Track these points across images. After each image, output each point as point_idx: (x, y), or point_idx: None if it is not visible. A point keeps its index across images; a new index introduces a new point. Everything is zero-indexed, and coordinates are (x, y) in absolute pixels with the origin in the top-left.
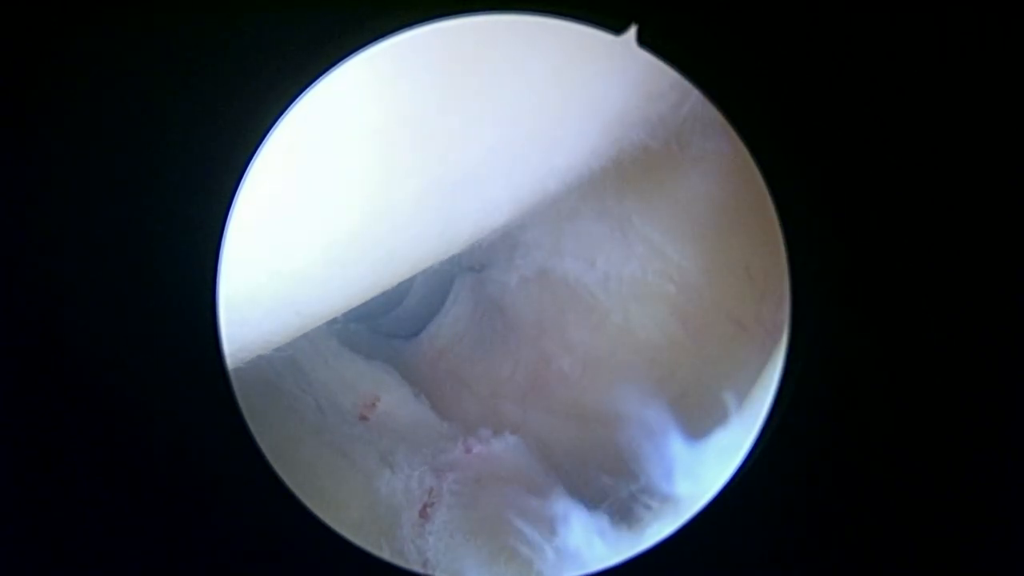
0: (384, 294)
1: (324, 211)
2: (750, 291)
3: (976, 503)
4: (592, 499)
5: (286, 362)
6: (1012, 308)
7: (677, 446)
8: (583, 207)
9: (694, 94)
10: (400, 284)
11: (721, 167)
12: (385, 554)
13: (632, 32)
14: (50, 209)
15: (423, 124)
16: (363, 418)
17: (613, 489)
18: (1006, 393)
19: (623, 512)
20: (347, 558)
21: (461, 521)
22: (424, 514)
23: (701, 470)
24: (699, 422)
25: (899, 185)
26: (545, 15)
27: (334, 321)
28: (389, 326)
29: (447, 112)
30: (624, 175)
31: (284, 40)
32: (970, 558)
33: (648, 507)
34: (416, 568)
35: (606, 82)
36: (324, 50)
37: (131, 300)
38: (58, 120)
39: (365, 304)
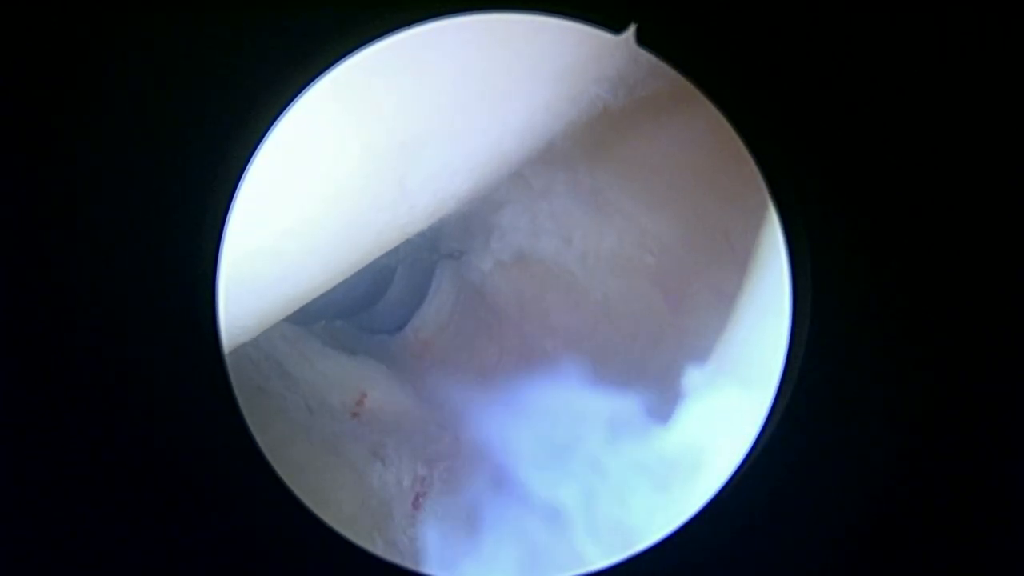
0: (364, 289)
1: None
2: (731, 255)
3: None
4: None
5: (271, 365)
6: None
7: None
8: (555, 183)
9: None
10: (380, 275)
11: (693, 130)
12: (378, 547)
13: (632, 32)
14: (49, 208)
15: (372, 92)
16: (354, 415)
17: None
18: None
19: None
20: (351, 559)
21: (454, 508)
22: (417, 504)
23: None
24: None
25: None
26: (545, 15)
27: (317, 322)
28: (372, 322)
29: (394, 80)
30: (593, 143)
31: (284, 40)
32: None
33: None
34: (408, 565)
35: (554, 35)
36: (322, 51)
37: (130, 299)
38: (58, 119)
39: (345, 298)
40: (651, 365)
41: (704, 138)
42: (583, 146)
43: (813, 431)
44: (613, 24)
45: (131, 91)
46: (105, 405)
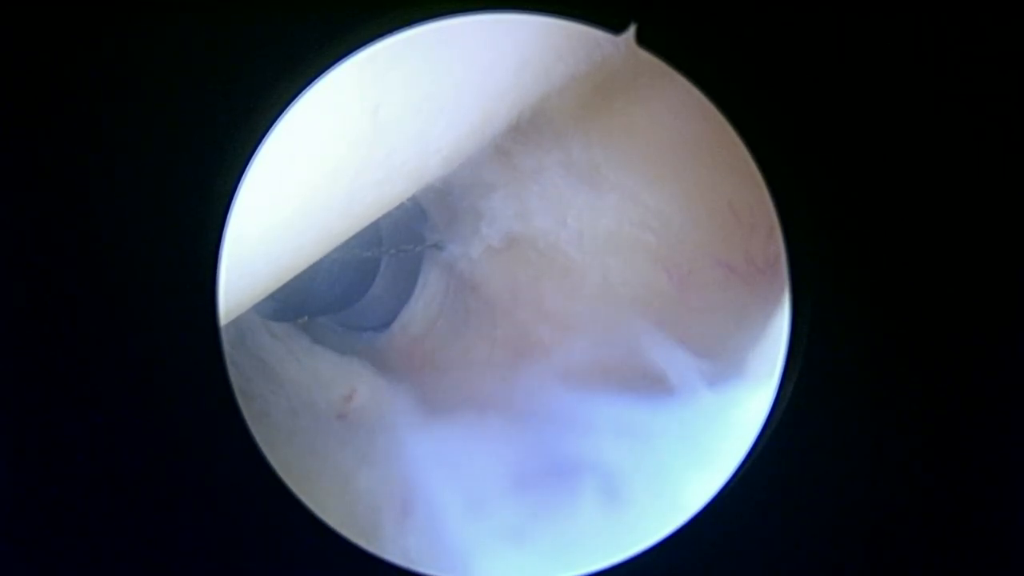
0: (347, 283)
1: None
2: (736, 229)
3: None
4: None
5: (255, 365)
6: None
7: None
8: (547, 162)
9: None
10: (363, 269)
11: (693, 100)
12: None
13: (632, 32)
14: (50, 208)
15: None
16: (340, 416)
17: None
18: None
19: None
20: (350, 559)
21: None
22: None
23: None
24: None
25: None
26: (545, 15)
27: (298, 318)
28: (358, 319)
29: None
30: (587, 118)
31: (285, 41)
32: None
33: None
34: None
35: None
36: (323, 50)
37: (130, 299)
38: (58, 119)
39: (327, 293)
40: (655, 349)
41: (704, 107)
42: (577, 121)
43: (813, 431)
44: (613, 24)
45: (134, 86)
46: (105, 402)
